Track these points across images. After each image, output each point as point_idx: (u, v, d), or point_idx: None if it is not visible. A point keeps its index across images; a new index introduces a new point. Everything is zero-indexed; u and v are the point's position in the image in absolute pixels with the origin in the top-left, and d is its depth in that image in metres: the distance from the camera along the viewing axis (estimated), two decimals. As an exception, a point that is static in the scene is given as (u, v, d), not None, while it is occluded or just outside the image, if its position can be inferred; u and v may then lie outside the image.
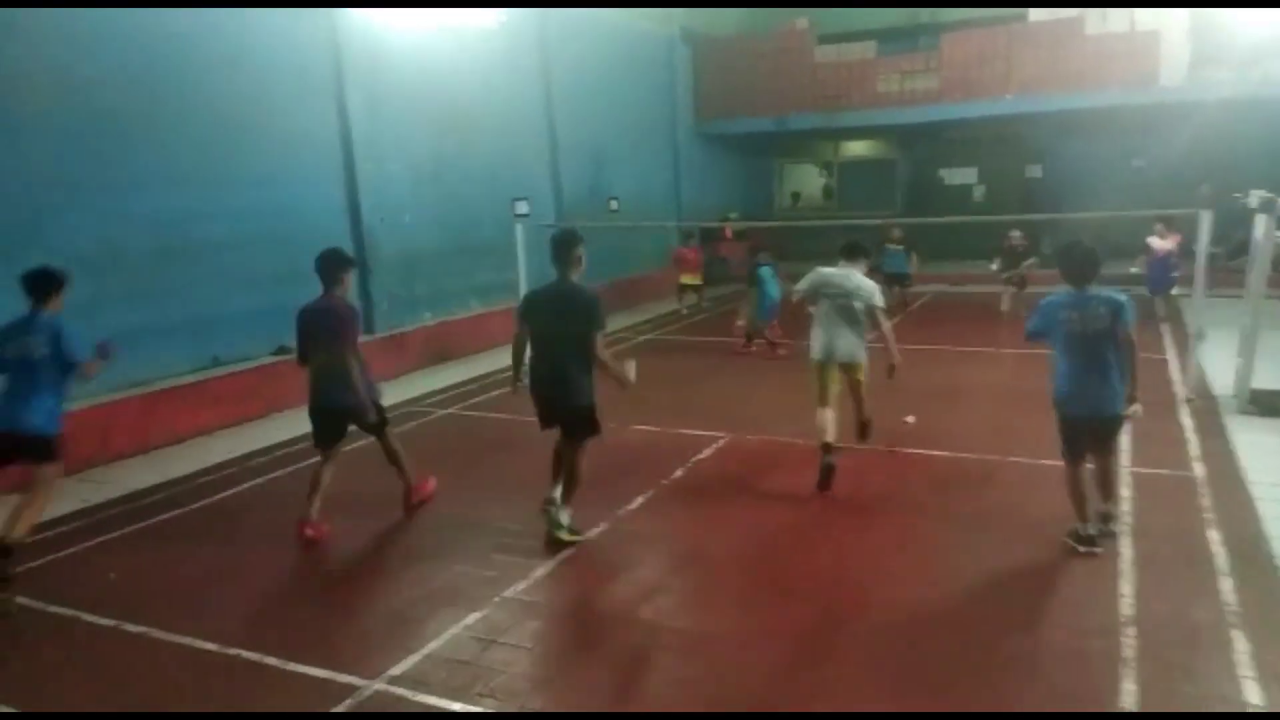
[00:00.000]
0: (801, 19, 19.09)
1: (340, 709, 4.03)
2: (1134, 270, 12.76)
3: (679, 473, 7.13)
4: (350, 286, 6.08)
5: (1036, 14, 16.99)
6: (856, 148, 22.24)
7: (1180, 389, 9.02)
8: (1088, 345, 5.18)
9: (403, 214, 11.64)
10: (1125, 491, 6.04)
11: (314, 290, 6.02)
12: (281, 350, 9.03)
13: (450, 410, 9.56)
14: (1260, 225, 8.31)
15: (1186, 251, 10.82)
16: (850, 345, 6.74)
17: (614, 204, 16.15)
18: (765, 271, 11.48)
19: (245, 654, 4.53)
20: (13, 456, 5.51)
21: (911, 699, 4.02)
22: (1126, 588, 4.89)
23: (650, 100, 17.98)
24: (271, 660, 4.46)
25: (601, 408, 5.69)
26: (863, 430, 7.28)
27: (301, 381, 6.09)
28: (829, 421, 6.63)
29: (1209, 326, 9.04)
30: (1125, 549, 5.35)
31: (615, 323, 14.38)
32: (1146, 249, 12.66)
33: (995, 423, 8.24)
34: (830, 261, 6.98)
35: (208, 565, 5.76)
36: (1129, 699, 3.90)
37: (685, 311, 15.59)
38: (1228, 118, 15.79)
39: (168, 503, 6.92)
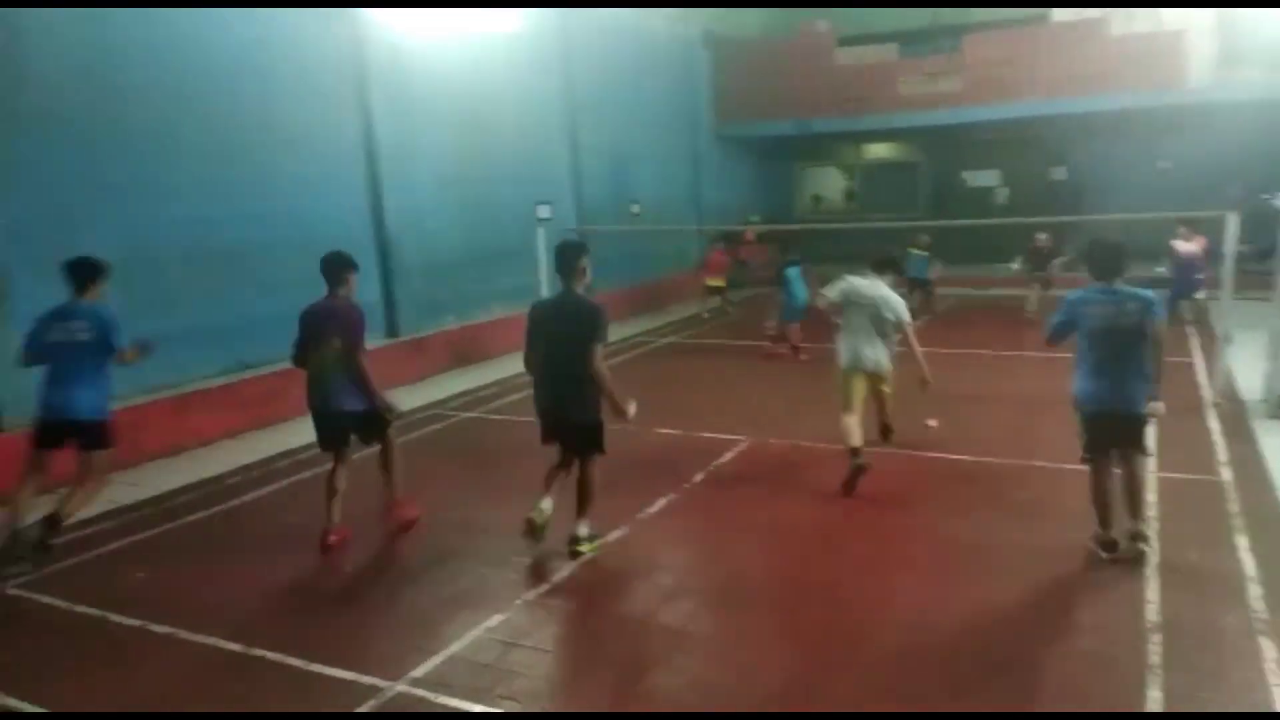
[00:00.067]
0: (822, 21, 19.03)
1: (363, 709, 4.07)
2: (1159, 271, 12.63)
3: (700, 476, 7.13)
4: (355, 288, 6.05)
5: (1060, 15, 16.87)
6: (878, 150, 22.12)
7: (1207, 392, 8.92)
8: (1114, 341, 5.09)
9: (425, 219, 11.72)
10: (1151, 496, 5.97)
11: (338, 296, 6.05)
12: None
13: (472, 414, 9.61)
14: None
15: (1214, 254, 10.70)
16: (877, 355, 6.80)
17: (635, 208, 16.17)
18: (792, 272, 11.42)
19: (270, 655, 4.58)
20: (64, 443, 5.69)
21: (932, 701, 4.01)
22: (1153, 594, 4.85)
23: (671, 103, 17.99)
24: (295, 661, 4.50)
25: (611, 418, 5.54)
26: (885, 433, 7.31)
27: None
28: (855, 426, 6.65)
29: (1237, 329, 8.95)
30: (1151, 554, 5.29)
31: (637, 326, 14.46)
32: (1171, 252, 12.53)
33: (1019, 427, 8.18)
34: (853, 265, 7.00)
35: (233, 566, 5.82)
36: (1155, 706, 3.86)
37: (707, 315, 15.59)
38: (1255, 118, 15.59)
39: (196, 504, 7.01)
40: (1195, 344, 11.26)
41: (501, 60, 12.93)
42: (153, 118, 8.59)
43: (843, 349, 6.88)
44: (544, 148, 14.25)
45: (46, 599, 5.33)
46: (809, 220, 21.17)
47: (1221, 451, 7.23)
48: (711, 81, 19.42)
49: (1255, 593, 4.83)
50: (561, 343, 5.39)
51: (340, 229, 10.20)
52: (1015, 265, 13.81)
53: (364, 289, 9.24)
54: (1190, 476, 6.66)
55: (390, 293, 11.36)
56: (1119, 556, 5.20)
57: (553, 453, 5.81)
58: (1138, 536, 5.24)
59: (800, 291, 11.28)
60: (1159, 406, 5.20)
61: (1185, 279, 12.41)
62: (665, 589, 5.26)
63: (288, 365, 6.06)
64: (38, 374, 5.81)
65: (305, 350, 5.90)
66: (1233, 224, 8.41)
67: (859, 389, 6.84)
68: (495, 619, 4.87)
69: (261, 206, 9.60)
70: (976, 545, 5.71)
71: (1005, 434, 7.95)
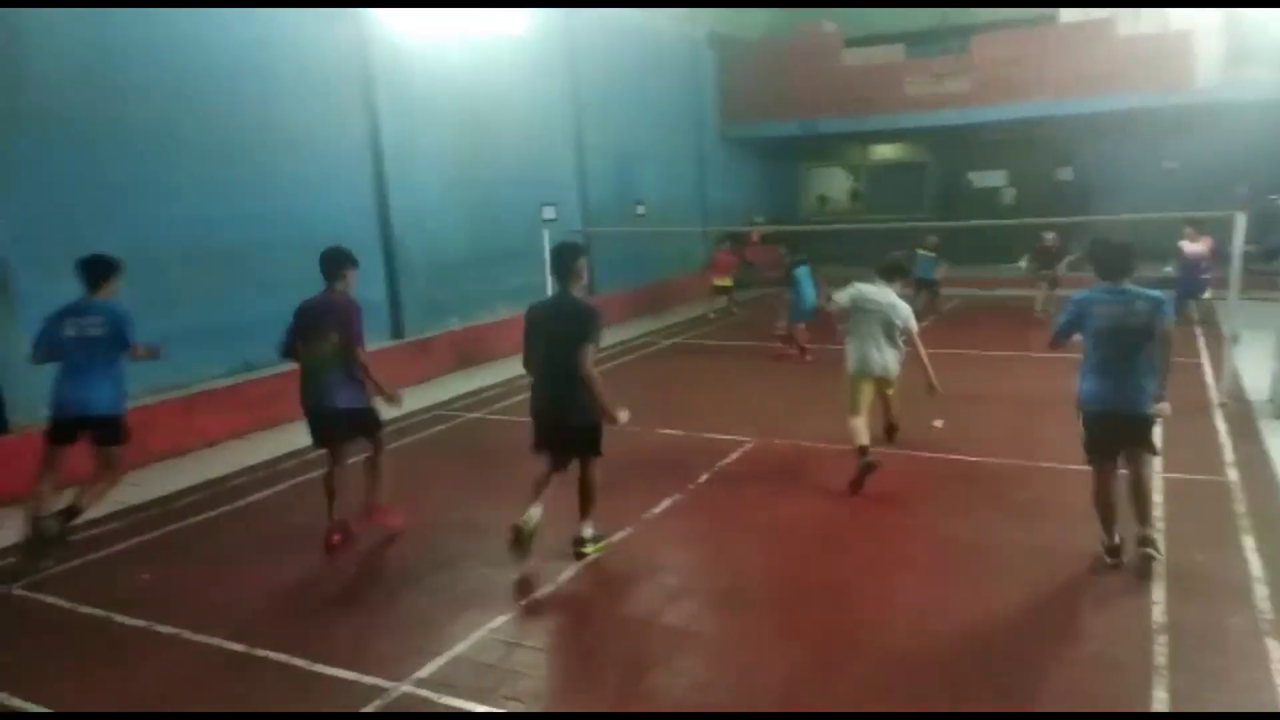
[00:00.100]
0: (829, 22, 19.02)
1: (368, 710, 4.07)
2: (1166, 271, 12.59)
3: (705, 476, 7.12)
4: (353, 284, 6.02)
5: (1067, 15, 16.83)
6: (884, 151, 22.11)
7: (1214, 393, 8.88)
8: (1121, 341, 5.04)
9: (430, 219, 11.73)
10: (1157, 497, 5.94)
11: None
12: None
13: (477, 415, 9.62)
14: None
15: (1221, 254, 10.66)
16: (885, 361, 6.85)
17: (640, 209, 16.18)
18: (801, 271, 11.41)
19: (274, 655, 4.58)
20: (77, 438, 5.73)
21: (933, 701, 4.00)
22: (1158, 594, 4.82)
23: (677, 104, 18.01)
24: (299, 662, 4.51)
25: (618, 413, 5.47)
26: (890, 432, 7.34)
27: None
28: (862, 427, 6.70)
29: (1243, 329, 8.91)
30: (1159, 560, 5.24)
31: (642, 326, 14.46)
32: (1178, 253, 12.50)
33: (1024, 427, 8.16)
34: (858, 266, 7.02)
35: (238, 567, 5.83)
36: (1161, 707, 3.85)
37: (713, 315, 15.59)
38: (1262, 118, 15.53)
39: (201, 505, 7.03)
40: (1202, 344, 11.21)
41: (506, 60, 12.95)
42: (153, 118, 8.62)
43: (851, 354, 6.93)
44: (549, 148, 14.27)
45: (50, 599, 5.35)
46: (814, 221, 21.18)
47: (1228, 452, 7.20)
48: (717, 82, 19.43)
49: (1262, 593, 4.80)
50: (560, 344, 5.36)
51: (343, 229, 10.15)
52: (1023, 264, 13.83)
53: (369, 290, 9.28)
54: (1196, 477, 6.63)
55: (395, 293, 11.39)
56: (1124, 562, 5.16)
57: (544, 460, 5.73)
58: (1145, 542, 5.13)
59: (809, 291, 11.27)
60: (1165, 407, 5.15)
61: (1192, 279, 12.38)
62: (669, 589, 5.26)
63: (292, 366, 6.06)
64: (49, 372, 5.83)
65: (294, 343, 5.87)
66: (1240, 224, 8.39)
67: (866, 393, 6.91)
68: (499, 620, 4.87)
69: (262, 207, 9.64)
70: (978, 545, 5.69)
71: (1011, 434, 7.93)
